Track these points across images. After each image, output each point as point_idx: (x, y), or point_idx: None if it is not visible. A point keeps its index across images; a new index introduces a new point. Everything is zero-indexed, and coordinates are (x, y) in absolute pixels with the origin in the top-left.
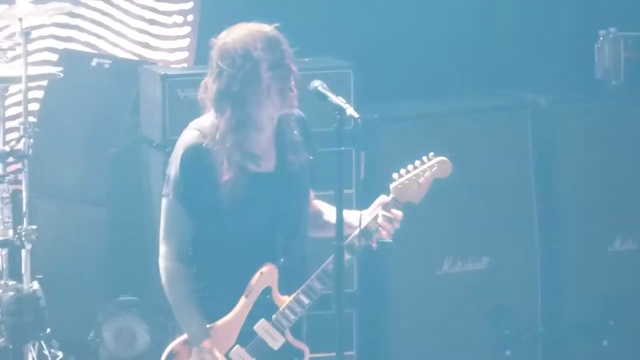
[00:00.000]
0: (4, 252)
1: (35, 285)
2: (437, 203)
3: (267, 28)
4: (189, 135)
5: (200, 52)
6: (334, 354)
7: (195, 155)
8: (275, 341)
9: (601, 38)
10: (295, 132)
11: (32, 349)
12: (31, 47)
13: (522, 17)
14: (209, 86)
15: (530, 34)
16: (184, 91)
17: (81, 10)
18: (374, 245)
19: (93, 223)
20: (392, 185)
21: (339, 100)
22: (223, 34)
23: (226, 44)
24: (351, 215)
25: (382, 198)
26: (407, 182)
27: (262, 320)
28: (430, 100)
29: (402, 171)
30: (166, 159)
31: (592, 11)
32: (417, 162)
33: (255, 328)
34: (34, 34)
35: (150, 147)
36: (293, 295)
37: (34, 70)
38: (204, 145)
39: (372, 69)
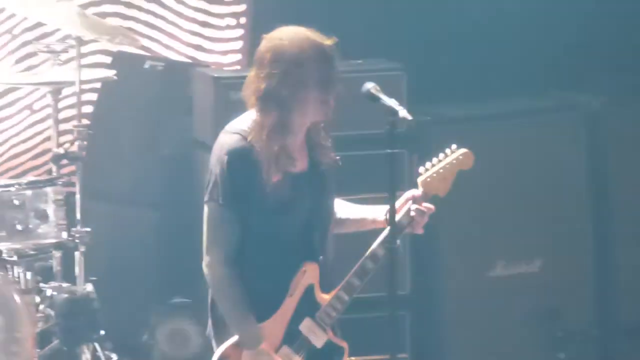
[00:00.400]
0: (58, 254)
1: (89, 287)
2: (490, 205)
3: (323, 40)
4: (231, 139)
5: (253, 55)
6: (387, 356)
7: (241, 159)
8: (319, 339)
9: None
10: (322, 133)
11: (86, 350)
12: (84, 49)
13: (575, 18)
14: (255, 83)
15: (583, 35)
16: (236, 93)
17: (134, 13)
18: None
19: (145, 225)
20: (419, 180)
21: (391, 103)
22: (277, 33)
23: (282, 46)
24: (375, 211)
25: (412, 192)
26: (434, 175)
27: (307, 318)
28: (482, 102)
29: (428, 164)
30: None
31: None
32: (441, 155)
33: (301, 327)
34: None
35: (202, 149)
36: (333, 292)
37: (87, 73)
38: (246, 148)
39: (425, 71)
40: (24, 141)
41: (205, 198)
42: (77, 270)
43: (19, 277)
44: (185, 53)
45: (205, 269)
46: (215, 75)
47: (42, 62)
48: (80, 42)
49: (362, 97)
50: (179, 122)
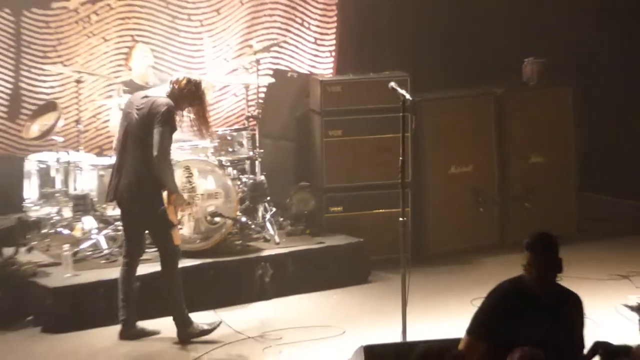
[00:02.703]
0: (248, 162)
1: (262, 177)
2: (449, 140)
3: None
4: (172, 103)
5: (339, 71)
6: (399, 209)
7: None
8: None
9: (525, 61)
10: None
11: (260, 207)
12: (261, 66)
13: (493, 34)
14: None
15: (493, 47)
16: (330, 87)
17: (281, 50)
18: None
19: (289, 151)
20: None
21: (403, 91)
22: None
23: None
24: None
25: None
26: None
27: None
28: (445, 91)
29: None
30: (322, 121)
31: (519, 42)
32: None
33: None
34: (262, 61)
35: (314, 113)
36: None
37: (261, 79)
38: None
39: (420, 73)
40: (232, 110)
41: (162, 125)
42: (256, 168)
43: (230, 173)
44: (306, 69)
45: (157, 159)
46: (320, 79)
47: (240, 72)
48: (258, 63)
49: (389, 89)
50: (303, 101)
